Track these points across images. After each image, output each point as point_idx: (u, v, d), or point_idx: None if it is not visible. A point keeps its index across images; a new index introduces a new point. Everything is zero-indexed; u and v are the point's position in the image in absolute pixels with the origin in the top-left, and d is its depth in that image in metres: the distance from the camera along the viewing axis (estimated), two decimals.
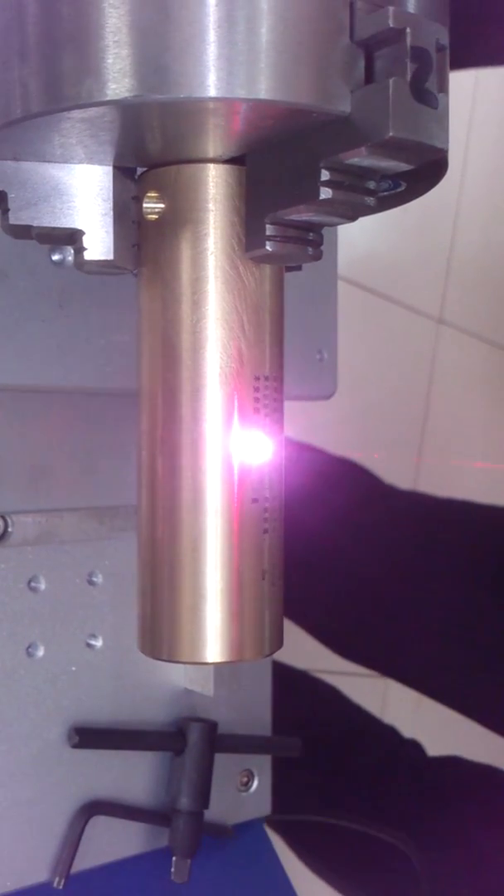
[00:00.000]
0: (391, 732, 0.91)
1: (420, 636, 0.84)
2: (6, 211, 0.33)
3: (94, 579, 0.52)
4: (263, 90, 0.27)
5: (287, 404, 0.36)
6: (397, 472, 1.00)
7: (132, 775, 0.54)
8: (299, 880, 0.64)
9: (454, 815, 0.76)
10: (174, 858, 0.54)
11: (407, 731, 0.90)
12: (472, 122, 1.57)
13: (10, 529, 0.48)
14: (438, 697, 0.87)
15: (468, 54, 0.81)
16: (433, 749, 0.88)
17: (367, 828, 0.63)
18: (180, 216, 0.33)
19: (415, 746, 0.88)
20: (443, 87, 0.28)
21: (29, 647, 0.50)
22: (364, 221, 0.34)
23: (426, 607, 0.83)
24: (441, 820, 0.75)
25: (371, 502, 0.93)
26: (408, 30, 0.27)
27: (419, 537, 0.85)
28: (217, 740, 0.55)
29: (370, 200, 0.30)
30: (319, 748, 0.63)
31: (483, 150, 1.58)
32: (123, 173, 0.34)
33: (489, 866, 0.73)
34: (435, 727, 0.94)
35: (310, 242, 0.33)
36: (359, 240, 1.44)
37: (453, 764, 0.84)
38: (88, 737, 0.51)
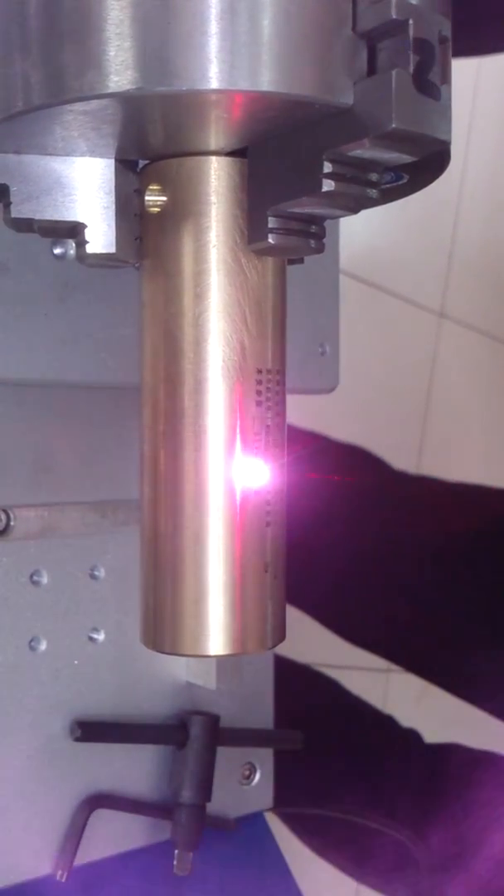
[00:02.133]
0: (390, 722, 0.91)
1: (428, 621, 0.84)
2: (8, 204, 0.33)
3: (97, 573, 0.52)
4: (265, 82, 0.27)
5: (289, 397, 0.36)
6: (401, 461, 1.01)
7: (134, 768, 0.54)
8: (300, 861, 0.64)
9: (453, 800, 0.76)
10: (176, 851, 0.54)
11: (406, 722, 0.90)
12: (474, 115, 1.56)
13: (12, 523, 0.48)
14: (445, 684, 0.87)
15: (472, 42, 0.81)
16: (432, 738, 0.88)
17: (368, 820, 0.63)
18: (182, 209, 0.33)
19: (413, 735, 0.88)
20: (445, 78, 0.28)
21: (31, 640, 0.50)
22: (365, 215, 0.34)
23: (435, 591, 0.83)
24: (440, 805, 0.76)
25: (380, 487, 0.93)
26: (410, 21, 0.27)
27: (429, 521, 0.85)
28: (219, 733, 0.55)
29: (373, 192, 0.30)
30: (320, 739, 0.63)
31: (484, 142, 1.58)
32: (125, 166, 0.34)
33: (487, 851, 0.73)
34: (434, 718, 0.94)
35: (312, 235, 0.32)
36: (360, 234, 1.44)
37: (452, 751, 0.84)
38: (91, 730, 0.51)
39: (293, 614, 0.36)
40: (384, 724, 0.91)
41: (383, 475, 0.97)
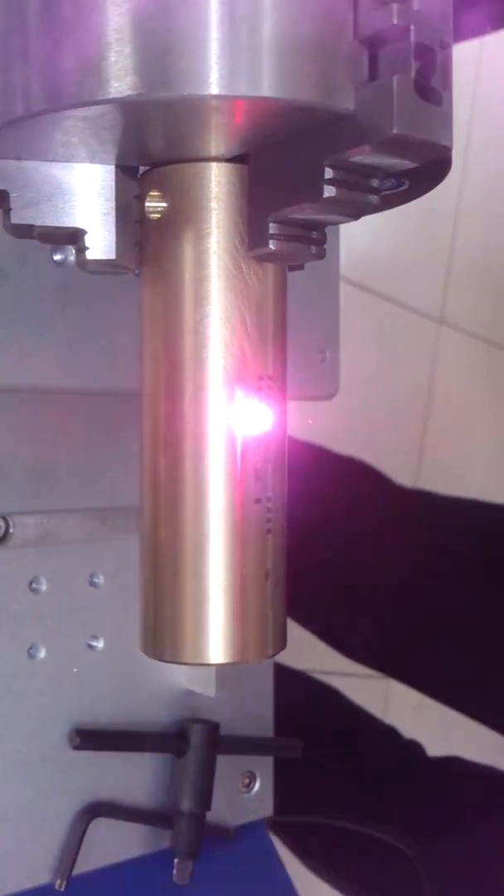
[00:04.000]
0: (392, 733, 0.90)
1: (426, 636, 0.84)
2: (8, 210, 0.33)
3: (96, 580, 0.52)
4: (266, 87, 0.27)
5: (289, 404, 0.35)
6: (400, 472, 1.01)
7: (134, 777, 0.54)
8: (299, 882, 0.64)
9: (455, 814, 0.76)
10: (176, 860, 0.54)
11: (408, 732, 0.90)
12: (473, 121, 1.57)
13: (11, 530, 0.48)
14: (442, 699, 0.87)
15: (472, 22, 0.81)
16: (433, 750, 0.88)
17: (368, 829, 0.63)
18: (183, 215, 0.33)
19: (415, 747, 0.88)
20: (446, 84, 0.28)
21: (30, 648, 0.50)
22: (365, 221, 0.34)
23: (432, 606, 0.83)
24: (442, 819, 0.75)
25: (378, 500, 0.93)
26: (412, 27, 0.27)
27: (426, 536, 0.85)
28: (219, 742, 0.55)
29: (374, 199, 0.30)
30: (321, 749, 0.63)
31: (484, 149, 1.58)
32: (125, 172, 0.34)
33: (490, 865, 0.73)
34: (435, 728, 0.94)
35: (313, 241, 0.32)
36: (360, 240, 1.44)
37: (453, 764, 0.84)
38: (90, 738, 0.51)
39: (290, 625, 0.36)
40: (386, 735, 0.90)
41: (382, 489, 0.97)
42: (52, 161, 0.33)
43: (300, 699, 0.87)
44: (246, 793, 0.59)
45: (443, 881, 0.63)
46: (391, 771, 0.84)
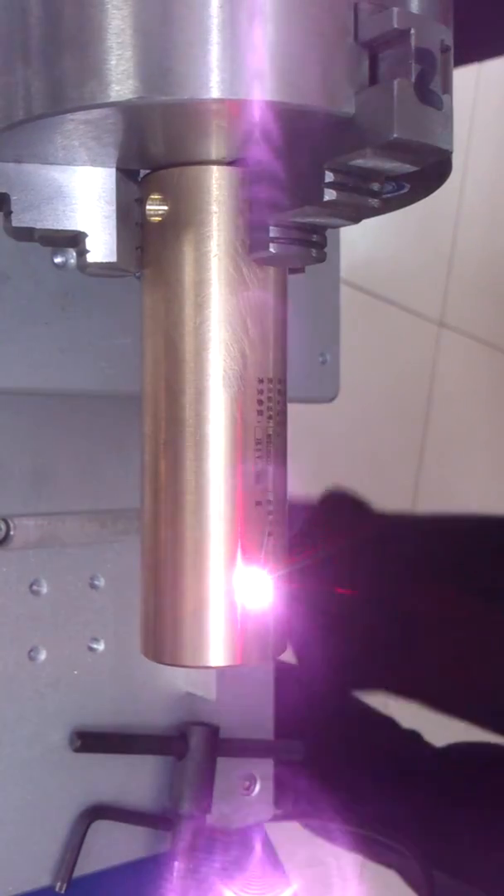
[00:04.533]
0: (391, 724, 0.90)
1: (425, 648, 0.84)
2: (9, 213, 0.33)
3: (96, 583, 0.52)
4: (266, 91, 0.27)
5: (290, 407, 0.36)
6: (400, 474, 1.01)
7: (134, 779, 0.54)
8: (301, 872, 0.63)
9: (461, 799, 0.76)
10: (176, 863, 0.54)
11: (406, 723, 0.90)
12: (473, 124, 1.57)
13: (11, 533, 0.48)
14: (440, 709, 0.87)
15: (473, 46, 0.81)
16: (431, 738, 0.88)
17: (368, 832, 0.63)
18: (183, 218, 0.33)
19: (414, 736, 0.88)
20: (447, 88, 0.28)
21: (31, 650, 0.50)
22: (365, 224, 0.34)
23: (432, 619, 0.83)
24: (448, 806, 0.75)
25: (361, 529, 0.93)
26: (412, 31, 0.27)
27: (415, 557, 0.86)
28: (219, 744, 0.55)
29: (374, 202, 0.30)
30: (321, 742, 0.63)
31: (484, 152, 1.58)
32: (126, 175, 0.34)
33: (495, 850, 0.73)
34: (435, 721, 0.94)
35: (313, 244, 0.32)
36: (360, 243, 1.44)
37: (454, 749, 0.84)
38: (90, 741, 0.51)
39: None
40: (385, 726, 0.90)
41: (364, 518, 0.96)
42: (52, 164, 0.33)
43: (300, 693, 0.87)
44: (246, 795, 0.59)
45: (447, 869, 0.63)
46: (392, 761, 0.84)
